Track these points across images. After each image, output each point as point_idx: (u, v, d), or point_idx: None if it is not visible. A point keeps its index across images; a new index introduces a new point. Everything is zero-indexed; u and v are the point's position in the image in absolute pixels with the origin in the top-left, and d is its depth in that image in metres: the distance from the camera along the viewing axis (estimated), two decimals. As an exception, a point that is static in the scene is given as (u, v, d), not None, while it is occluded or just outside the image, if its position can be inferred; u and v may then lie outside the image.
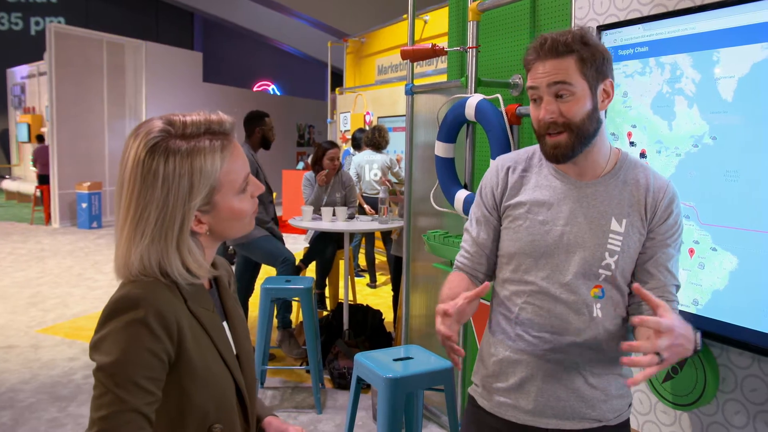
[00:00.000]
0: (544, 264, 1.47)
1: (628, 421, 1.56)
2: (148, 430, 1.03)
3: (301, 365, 4.36)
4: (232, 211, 1.16)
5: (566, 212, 1.46)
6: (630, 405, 1.57)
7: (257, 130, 4.68)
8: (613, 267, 1.43)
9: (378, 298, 6.51)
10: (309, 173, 5.32)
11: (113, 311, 1.06)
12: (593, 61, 1.37)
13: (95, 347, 1.06)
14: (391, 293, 5.38)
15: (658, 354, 1.18)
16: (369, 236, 7.13)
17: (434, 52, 3.12)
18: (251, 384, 1.26)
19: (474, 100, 2.84)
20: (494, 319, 1.60)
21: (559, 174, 1.50)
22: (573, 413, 1.48)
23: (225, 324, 1.26)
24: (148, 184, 1.08)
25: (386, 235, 6.13)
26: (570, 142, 1.39)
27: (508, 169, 1.57)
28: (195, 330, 1.12)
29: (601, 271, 1.44)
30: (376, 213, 5.49)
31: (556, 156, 1.42)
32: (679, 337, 1.20)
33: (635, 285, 1.29)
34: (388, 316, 4.99)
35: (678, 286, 1.48)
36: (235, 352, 1.24)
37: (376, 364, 2.56)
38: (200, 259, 1.14)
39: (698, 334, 1.28)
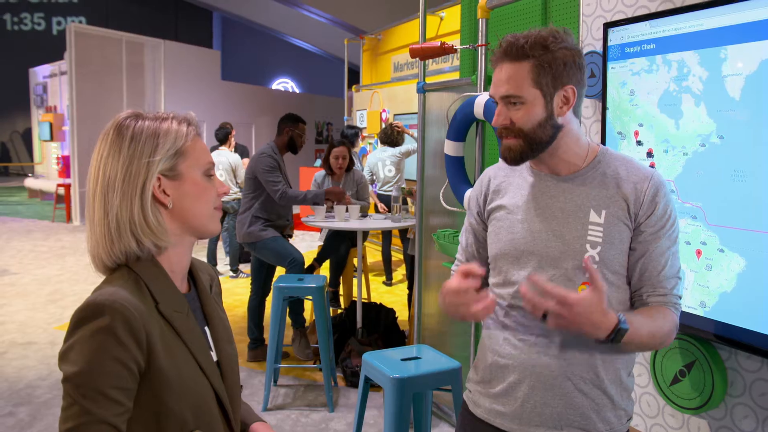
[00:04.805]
0: (525, 262, 1.46)
1: None
2: None
3: (313, 363, 4.37)
4: (197, 185, 1.17)
5: (543, 208, 1.46)
6: (629, 420, 1.50)
7: (287, 130, 4.67)
8: (597, 259, 1.39)
9: (394, 296, 6.50)
10: (318, 173, 5.33)
11: (80, 319, 1.03)
12: (550, 68, 1.36)
13: (63, 357, 1.03)
14: (407, 291, 5.37)
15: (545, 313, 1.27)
16: (386, 234, 7.12)
17: (443, 50, 3.10)
18: (234, 390, 1.24)
19: (483, 98, 2.82)
20: (485, 324, 1.58)
21: (535, 173, 1.50)
22: (560, 421, 1.43)
23: (207, 329, 1.24)
24: (117, 147, 1.12)
25: (403, 234, 6.12)
26: (521, 148, 1.42)
27: (490, 176, 1.61)
28: (166, 336, 1.10)
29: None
30: (390, 211, 5.48)
31: (506, 159, 1.45)
32: (579, 315, 1.25)
33: (585, 258, 1.31)
34: (403, 315, 4.98)
35: (678, 278, 1.43)
36: (216, 359, 1.22)
37: (383, 363, 2.55)
38: (164, 227, 1.14)
39: (623, 329, 1.29)
